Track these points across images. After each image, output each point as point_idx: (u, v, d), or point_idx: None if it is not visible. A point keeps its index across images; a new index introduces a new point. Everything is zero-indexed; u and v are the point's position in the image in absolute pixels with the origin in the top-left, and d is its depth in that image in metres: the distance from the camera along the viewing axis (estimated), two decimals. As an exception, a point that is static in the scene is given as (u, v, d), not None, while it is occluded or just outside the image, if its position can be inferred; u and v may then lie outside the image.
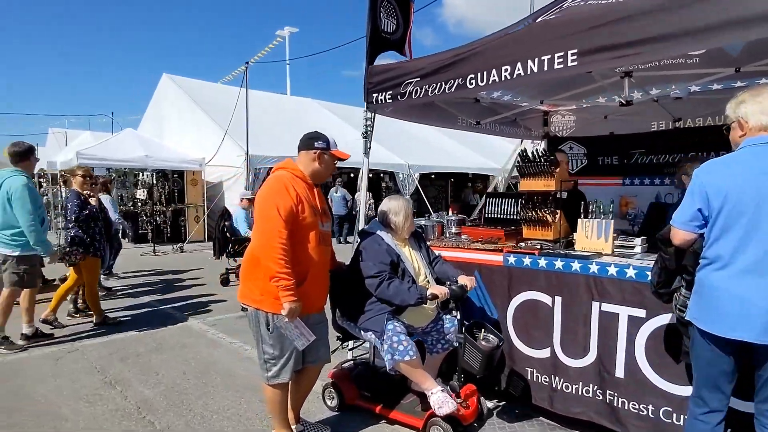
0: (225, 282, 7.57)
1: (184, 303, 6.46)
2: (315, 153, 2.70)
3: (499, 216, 3.98)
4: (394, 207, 3.04)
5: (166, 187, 12.47)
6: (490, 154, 20.71)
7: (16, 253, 4.36)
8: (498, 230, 3.73)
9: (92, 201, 5.40)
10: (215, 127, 13.76)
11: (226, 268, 7.64)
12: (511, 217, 3.90)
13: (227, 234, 7.42)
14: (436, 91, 3.41)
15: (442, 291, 2.77)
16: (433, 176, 20.93)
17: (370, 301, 2.85)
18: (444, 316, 3.08)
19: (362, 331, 2.89)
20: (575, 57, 2.48)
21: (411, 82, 3.63)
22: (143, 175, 14.00)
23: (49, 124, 37.31)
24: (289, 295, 2.40)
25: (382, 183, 18.01)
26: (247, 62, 12.44)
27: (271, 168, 13.10)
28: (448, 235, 3.93)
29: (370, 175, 16.03)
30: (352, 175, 17.74)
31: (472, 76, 3.07)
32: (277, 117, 16.03)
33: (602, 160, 5.70)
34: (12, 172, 4.36)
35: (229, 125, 13.08)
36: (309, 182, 2.68)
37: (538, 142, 7.63)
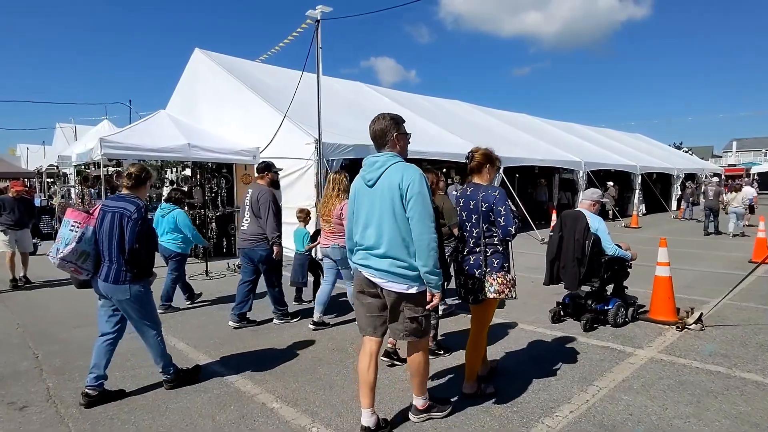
0: (556, 318, 5.07)
1: (294, 379, 3.35)
2: None
3: None
4: None
5: (220, 185, 9.24)
6: (568, 148, 17.64)
7: (414, 289, 2.68)
8: None
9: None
10: (271, 111, 10.61)
11: (560, 303, 5.14)
12: None
13: (593, 250, 4.63)
14: None
15: None
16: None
17: None
18: None
19: None
20: None
21: None
22: (177, 171, 10.83)
23: (57, 119, 33.88)
24: None
25: (448, 178, 14.88)
26: (318, 20, 9.24)
27: (345, 161, 9.98)
28: None
29: (429, 166, 12.51)
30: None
31: None
32: (333, 101, 12.88)
33: None
34: (393, 156, 2.74)
35: (289, 107, 9.94)
36: None
37: None
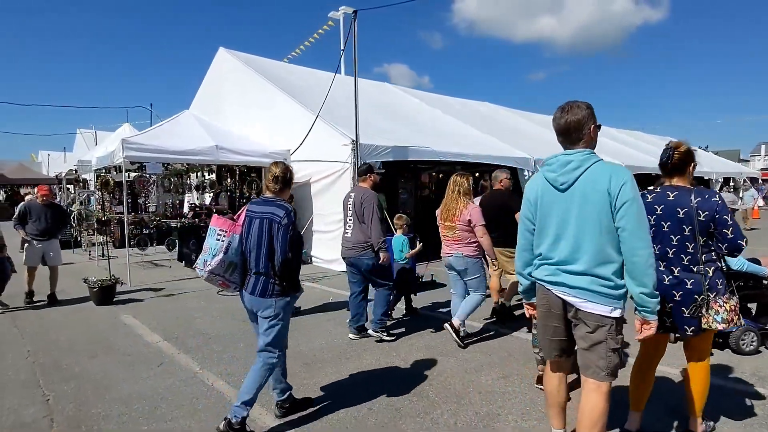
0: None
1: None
2: None
3: None
4: None
5: (252, 190, 8.45)
6: (607, 151, 16.60)
7: (617, 312, 2.17)
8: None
9: None
10: (301, 111, 9.81)
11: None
12: None
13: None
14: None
15: None
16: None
17: None
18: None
19: None
20: None
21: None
22: (201, 175, 10.09)
23: (78, 125, 33.67)
24: None
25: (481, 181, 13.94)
26: (355, 11, 8.46)
27: (379, 164, 9.10)
28: None
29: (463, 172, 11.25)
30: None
31: None
32: (362, 101, 12.06)
33: None
34: (590, 154, 2.22)
35: (322, 106, 9.15)
36: None
37: None
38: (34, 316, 5.74)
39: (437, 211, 4.60)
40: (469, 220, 4.26)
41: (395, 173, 12.42)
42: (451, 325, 4.37)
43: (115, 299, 6.42)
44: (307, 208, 9.42)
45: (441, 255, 4.61)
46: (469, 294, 4.48)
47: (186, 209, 10.25)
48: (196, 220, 8.10)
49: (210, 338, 4.84)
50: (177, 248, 9.25)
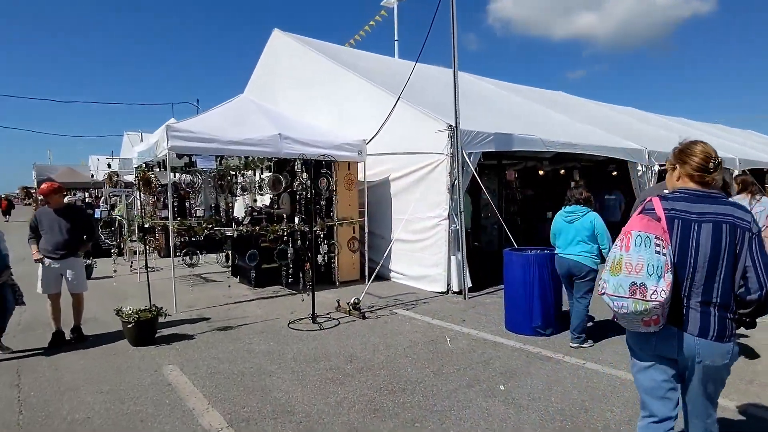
0: None
1: None
2: None
3: None
4: None
5: (331, 189, 6.61)
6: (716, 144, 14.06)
7: None
8: None
9: None
10: (377, 95, 7.91)
11: None
12: None
13: None
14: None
15: None
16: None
17: None
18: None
19: None
20: None
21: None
22: (260, 171, 8.32)
23: (126, 128, 33.24)
24: None
25: (572, 180, 11.70)
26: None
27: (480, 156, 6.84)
28: None
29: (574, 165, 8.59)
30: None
31: None
32: (438, 87, 10.09)
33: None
34: None
35: (404, 87, 7.20)
36: None
37: None
38: (47, 368, 4.03)
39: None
40: None
41: (479, 169, 10.39)
42: None
43: (157, 334, 4.70)
44: (384, 211, 7.53)
45: None
46: None
47: (238, 213, 8.55)
48: (256, 228, 6.29)
49: (300, 423, 2.97)
50: (231, 261, 7.55)
